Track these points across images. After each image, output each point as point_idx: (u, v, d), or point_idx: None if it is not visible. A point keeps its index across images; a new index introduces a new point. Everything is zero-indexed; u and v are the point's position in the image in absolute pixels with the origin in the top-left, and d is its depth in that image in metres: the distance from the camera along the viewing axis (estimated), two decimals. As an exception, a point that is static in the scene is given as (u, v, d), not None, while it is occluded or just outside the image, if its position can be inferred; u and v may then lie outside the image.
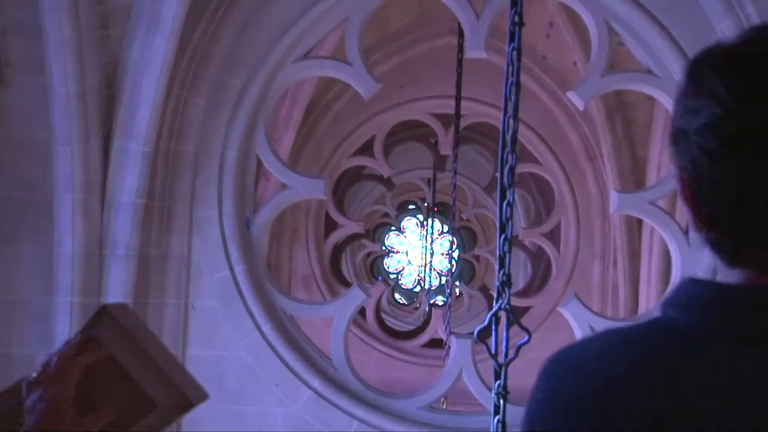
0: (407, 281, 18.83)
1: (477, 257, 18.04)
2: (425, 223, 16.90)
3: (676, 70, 6.87)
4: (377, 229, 18.65)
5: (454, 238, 14.35)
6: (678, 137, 1.15)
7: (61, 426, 1.45)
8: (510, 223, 3.97)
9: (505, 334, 3.92)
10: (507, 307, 3.91)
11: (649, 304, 10.17)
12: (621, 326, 1.15)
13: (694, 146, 1.12)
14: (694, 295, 1.12)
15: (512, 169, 4.00)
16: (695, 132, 1.11)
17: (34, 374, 1.47)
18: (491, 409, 3.86)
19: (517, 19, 4.11)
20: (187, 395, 1.53)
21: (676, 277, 7.11)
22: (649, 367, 1.08)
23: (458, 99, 10.32)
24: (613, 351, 1.12)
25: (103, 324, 1.51)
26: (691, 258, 6.98)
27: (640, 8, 6.83)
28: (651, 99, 8.47)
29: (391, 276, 18.81)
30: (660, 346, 1.10)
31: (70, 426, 1.46)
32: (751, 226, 1.11)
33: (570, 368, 1.13)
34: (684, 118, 1.14)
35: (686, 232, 7.09)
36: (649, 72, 7.07)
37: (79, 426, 1.46)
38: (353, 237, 16.32)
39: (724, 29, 6.64)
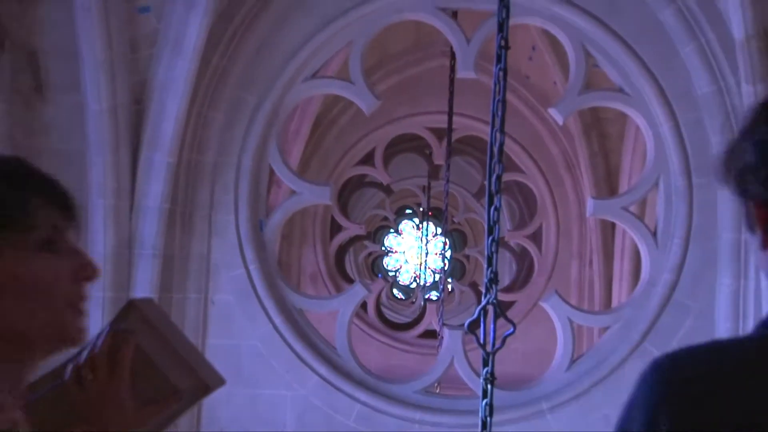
0: (404, 278, 18.80)
1: (467, 257, 18.02)
2: (421, 225, 16.87)
3: (645, 89, 6.88)
4: (377, 231, 18.62)
5: (447, 240, 14.35)
6: (751, 172, 1.18)
7: (124, 423, 1.39)
8: (497, 226, 3.97)
9: (492, 325, 3.92)
10: (494, 301, 3.92)
11: (621, 298, 10.18)
12: (725, 338, 1.16)
13: None
14: None
15: (499, 177, 4.01)
16: None
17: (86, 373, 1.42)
18: (480, 393, 3.85)
19: (503, 43, 4.12)
20: (206, 381, 1.53)
21: (645, 275, 7.11)
22: (725, 376, 1.08)
23: (450, 114, 10.32)
24: (704, 360, 1.11)
25: (131, 317, 1.51)
26: (658, 258, 6.98)
27: (613, 34, 6.84)
28: (623, 115, 8.47)
29: (390, 273, 18.79)
30: (744, 357, 1.10)
31: (133, 420, 1.40)
32: None
33: (660, 373, 1.12)
34: (757, 152, 1.17)
35: (654, 235, 7.09)
36: (621, 91, 7.08)
37: (140, 419, 1.41)
38: (356, 238, 16.31)
39: (688, 53, 6.66)
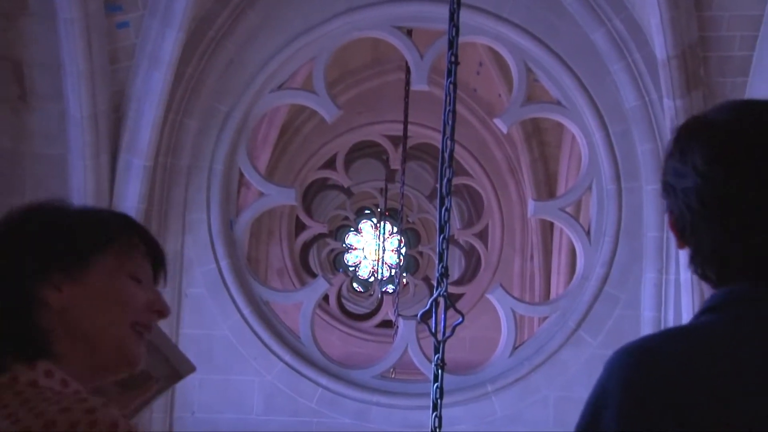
0: (363, 273, 18.73)
1: (421, 253, 18.04)
2: (378, 225, 16.86)
3: (580, 102, 6.98)
4: (339, 230, 18.54)
5: (402, 237, 14.35)
6: (667, 189, 1.22)
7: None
8: (447, 225, 3.98)
9: (443, 316, 3.93)
10: (445, 294, 3.92)
11: (559, 290, 10.27)
12: (675, 326, 1.20)
13: (681, 200, 1.19)
14: (725, 299, 1.16)
15: (449, 181, 4.02)
16: (682, 191, 1.18)
17: None
18: (431, 378, 3.87)
19: (453, 59, 4.13)
20: (178, 368, 1.52)
21: (580, 269, 7.20)
22: (692, 359, 1.08)
23: (405, 123, 10.35)
24: (670, 345, 1.12)
25: None
26: (591, 254, 7.07)
27: (551, 53, 6.93)
28: (560, 125, 8.56)
29: (350, 268, 18.72)
30: (706, 341, 1.11)
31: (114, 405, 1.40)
32: (725, 264, 1.16)
33: (634, 358, 1.11)
34: (672, 176, 1.21)
35: (588, 233, 7.18)
36: (559, 103, 7.16)
37: (120, 404, 1.41)
38: (319, 236, 16.25)
39: (617, 71, 6.77)
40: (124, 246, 1.30)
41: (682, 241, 1.22)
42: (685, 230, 1.20)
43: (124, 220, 1.37)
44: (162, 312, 1.32)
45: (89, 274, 1.25)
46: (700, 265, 1.20)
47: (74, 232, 1.27)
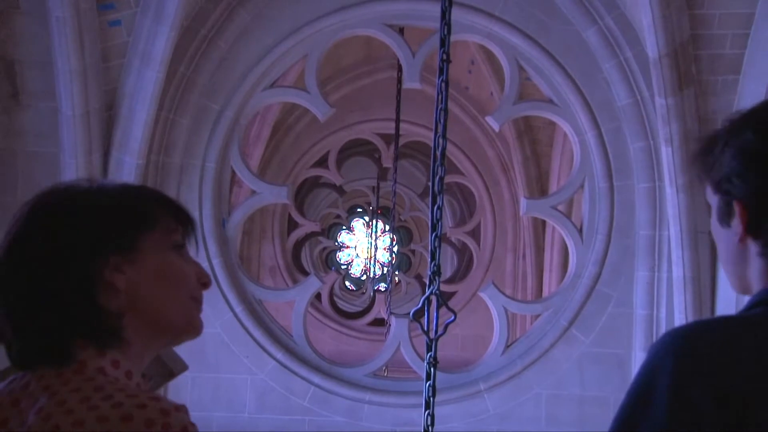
0: (355, 271, 18.73)
1: (413, 251, 18.05)
2: (370, 223, 16.85)
3: (572, 100, 6.99)
4: (331, 228, 18.53)
5: (394, 236, 14.36)
6: (741, 175, 1.20)
7: None
8: (439, 223, 3.97)
9: (435, 314, 3.93)
10: (437, 292, 3.92)
11: (551, 288, 10.30)
12: (726, 315, 1.20)
13: (758, 184, 1.18)
14: None
15: (441, 179, 4.01)
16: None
17: None
18: (424, 376, 3.87)
19: (445, 57, 4.12)
20: (170, 367, 1.52)
21: (572, 267, 7.21)
22: (743, 345, 1.11)
23: (397, 121, 10.34)
24: (722, 331, 1.14)
25: None
26: (583, 252, 7.09)
27: (543, 51, 6.94)
28: (552, 123, 8.58)
29: (342, 267, 18.71)
30: (757, 330, 1.13)
31: None
32: None
33: (685, 341, 1.13)
34: (747, 161, 1.20)
35: (580, 231, 7.19)
36: (551, 102, 7.17)
37: None
38: (311, 234, 16.24)
39: (608, 69, 6.79)
40: (166, 222, 1.32)
41: (750, 232, 1.21)
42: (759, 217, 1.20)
43: (155, 194, 1.37)
44: (207, 283, 1.36)
45: (140, 253, 1.26)
46: None
47: (124, 213, 1.28)
